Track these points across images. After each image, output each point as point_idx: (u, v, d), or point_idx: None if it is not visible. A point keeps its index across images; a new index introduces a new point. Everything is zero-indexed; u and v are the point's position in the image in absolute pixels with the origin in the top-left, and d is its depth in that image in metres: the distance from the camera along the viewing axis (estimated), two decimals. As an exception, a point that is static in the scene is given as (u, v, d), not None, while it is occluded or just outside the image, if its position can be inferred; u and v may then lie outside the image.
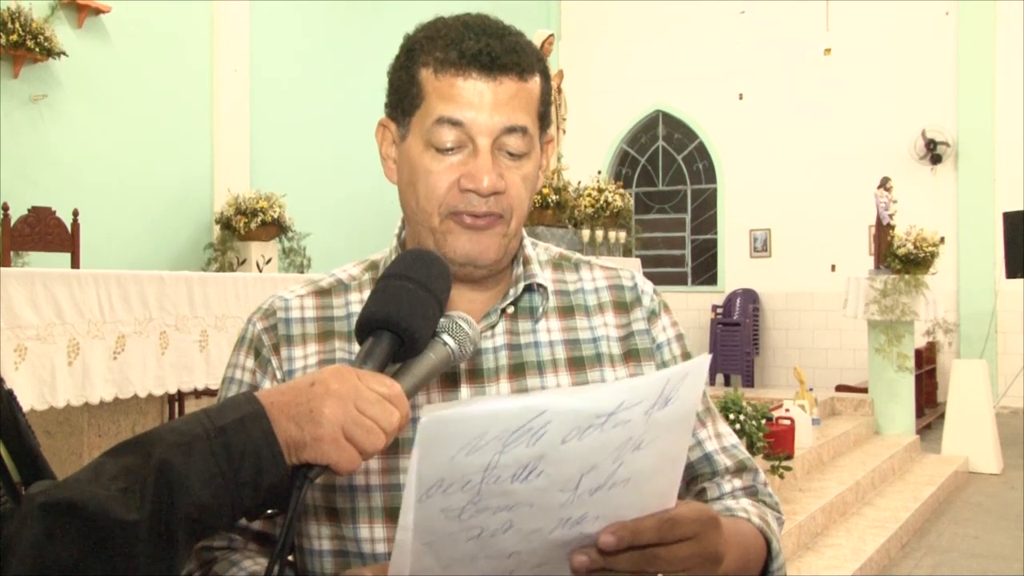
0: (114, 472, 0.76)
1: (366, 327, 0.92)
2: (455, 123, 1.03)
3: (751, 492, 1.16)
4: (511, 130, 1.05)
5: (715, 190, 11.90)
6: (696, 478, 1.17)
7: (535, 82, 1.08)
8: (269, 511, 0.84)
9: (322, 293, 1.16)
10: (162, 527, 0.75)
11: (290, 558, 1.15)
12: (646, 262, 10.24)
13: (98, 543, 0.72)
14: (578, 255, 1.24)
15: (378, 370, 0.89)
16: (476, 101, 1.03)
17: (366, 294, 1.14)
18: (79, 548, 0.72)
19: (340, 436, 0.82)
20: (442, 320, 0.95)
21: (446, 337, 0.95)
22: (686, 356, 1.19)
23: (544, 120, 1.11)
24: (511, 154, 1.06)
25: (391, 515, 1.05)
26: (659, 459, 0.83)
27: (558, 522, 0.82)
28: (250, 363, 1.13)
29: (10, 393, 0.88)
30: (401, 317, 0.91)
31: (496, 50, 1.03)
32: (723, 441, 1.18)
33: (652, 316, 1.18)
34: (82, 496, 0.73)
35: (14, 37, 5.80)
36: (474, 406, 0.75)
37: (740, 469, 1.17)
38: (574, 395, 0.77)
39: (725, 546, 0.90)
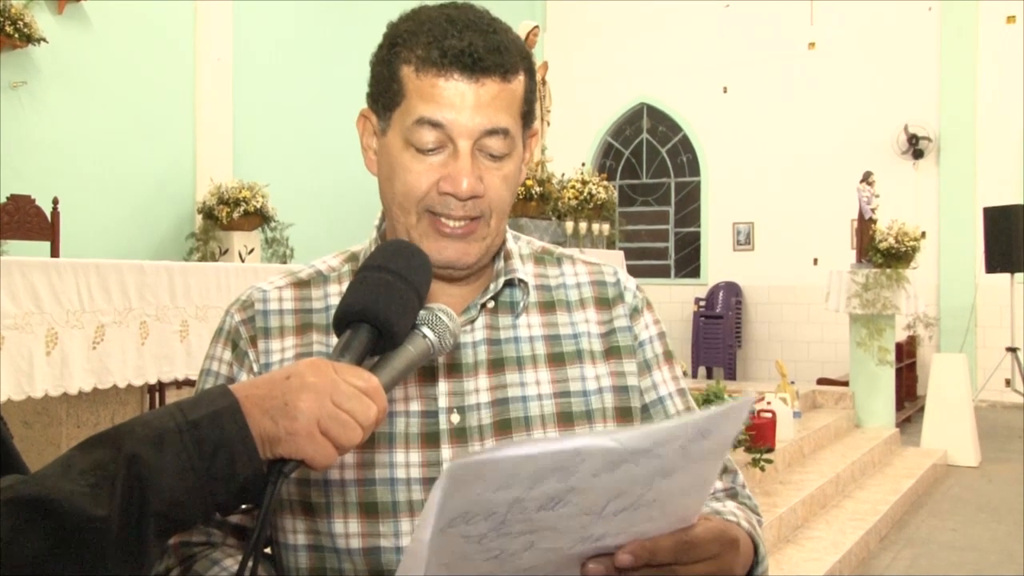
0: (84, 467, 0.74)
1: (344, 319, 0.90)
2: (435, 124, 1.01)
3: (731, 494, 1.16)
4: (492, 132, 1.03)
5: (699, 183, 11.92)
6: None
7: (519, 81, 1.06)
8: (243, 506, 0.83)
9: (301, 285, 1.15)
10: (132, 523, 0.73)
11: (267, 550, 1.14)
12: (629, 255, 10.25)
13: (67, 539, 0.71)
14: (561, 249, 1.23)
15: (356, 363, 0.87)
16: (457, 102, 1.01)
17: (345, 286, 1.12)
18: (47, 545, 0.71)
19: (315, 430, 0.80)
20: (422, 312, 0.94)
21: (425, 330, 0.93)
22: (668, 355, 1.18)
23: (528, 118, 1.09)
24: (492, 156, 1.04)
25: (366, 510, 1.04)
26: (688, 484, 0.83)
27: (579, 540, 0.82)
28: (227, 355, 1.12)
29: None
30: (379, 309, 0.89)
31: (479, 50, 1.00)
32: None
33: (634, 313, 1.17)
34: (50, 492, 0.72)
35: (-7, 23, 5.73)
36: (509, 450, 0.73)
37: (721, 471, 1.17)
38: (612, 436, 0.75)
39: (740, 567, 0.92)
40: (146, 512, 0.74)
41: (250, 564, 0.80)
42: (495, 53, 1.02)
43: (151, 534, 0.75)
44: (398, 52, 1.04)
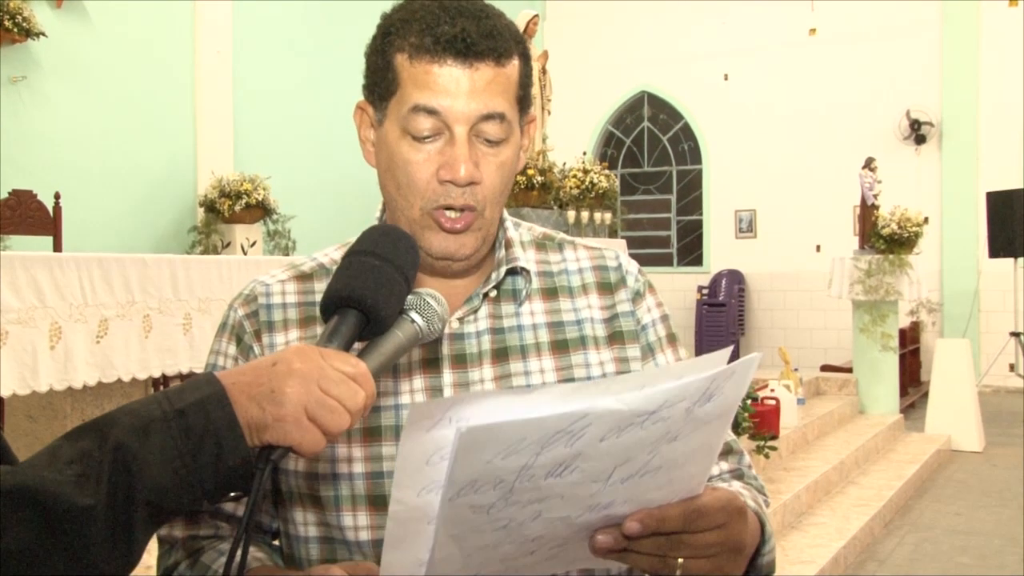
0: (70, 456, 0.74)
1: (330, 305, 0.90)
2: (431, 111, 1.01)
3: (737, 475, 1.16)
4: (488, 117, 1.03)
5: (700, 171, 11.90)
6: None
7: (513, 66, 1.05)
8: (232, 494, 0.82)
9: (303, 278, 1.15)
10: (119, 512, 0.73)
11: (276, 543, 1.14)
12: (632, 243, 10.25)
13: (53, 529, 0.71)
14: (562, 235, 1.22)
15: (343, 349, 0.87)
16: (452, 88, 1.01)
17: None
18: (34, 535, 0.71)
19: (303, 417, 0.80)
20: (409, 297, 0.93)
21: (413, 314, 0.92)
22: (671, 337, 1.18)
23: (524, 103, 1.09)
24: (489, 141, 1.04)
25: (374, 503, 1.04)
26: (694, 448, 0.83)
27: (587, 508, 0.82)
28: (232, 350, 1.12)
29: None
30: (366, 294, 0.88)
31: (472, 35, 1.00)
32: None
33: (637, 297, 1.17)
34: (36, 482, 0.72)
35: (-9, 18, 5.72)
36: (516, 414, 0.73)
37: (727, 452, 1.16)
38: (617, 397, 0.75)
39: (748, 535, 0.91)
40: (133, 501, 0.74)
41: (240, 548, 0.80)
42: (488, 38, 1.02)
43: (138, 523, 0.75)
44: (391, 41, 1.04)
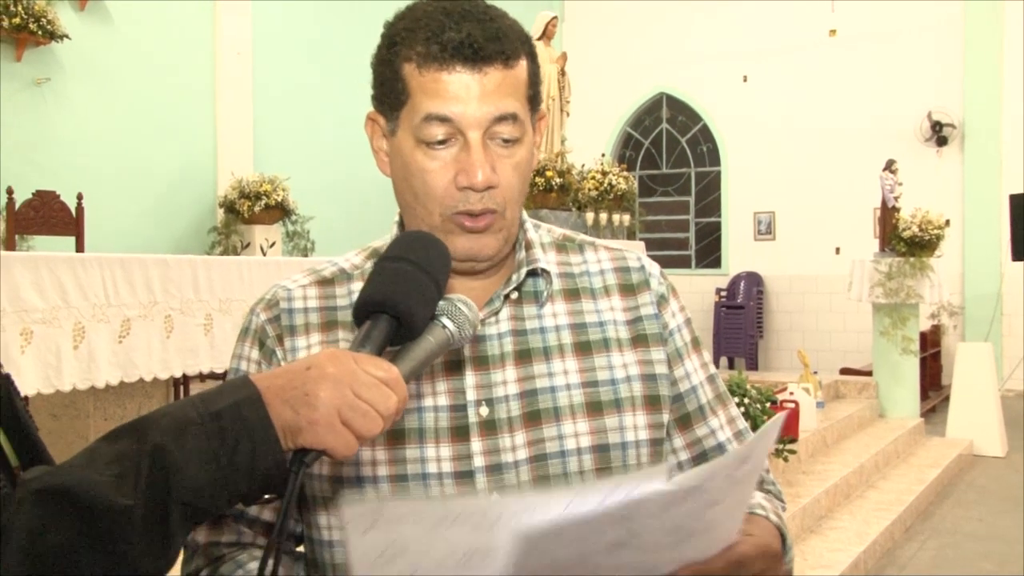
0: (108, 457, 0.75)
1: (363, 310, 0.91)
2: (443, 119, 1.02)
3: (757, 481, 1.16)
4: (501, 119, 1.03)
5: (719, 173, 11.86)
6: None
7: (521, 66, 1.05)
8: (266, 496, 0.84)
9: (324, 283, 1.15)
10: (156, 512, 0.75)
11: (300, 548, 1.15)
12: (650, 245, 10.20)
13: (92, 528, 0.72)
14: (582, 236, 1.22)
15: (375, 353, 0.88)
16: (463, 94, 1.01)
17: None
18: (73, 534, 0.72)
19: (336, 420, 0.81)
20: (441, 303, 0.94)
21: (445, 320, 0.93)
22: (695, 342, 1.18)
23: (534, 101, 1.09)
24: (505, 141, 1.04)
25: None
26: (732, 505, 0.86)
27: (635, 570, 0.84)
28: (255, 354, 1.12)
29: (7, 378, 0.87)
30: (398, 299, 0.89)
31: (479, 39, 1.01)
32: (736, 425, 1.19)
33: (662, 301, 1.16)
34: (76, 482, 0.73)
35: (17, 20, 5.79)
36: (568, 512, 0.74)
37: None
38: (665, 485, 0.77)
39: (782, 568, 0.98)
40: (170, 502, 0.75)
41: (273, 553, 0.81)
42: (494, 40, 1.02)
43: (175, 523, 0.76)
44: (398, 51, 1.04)
